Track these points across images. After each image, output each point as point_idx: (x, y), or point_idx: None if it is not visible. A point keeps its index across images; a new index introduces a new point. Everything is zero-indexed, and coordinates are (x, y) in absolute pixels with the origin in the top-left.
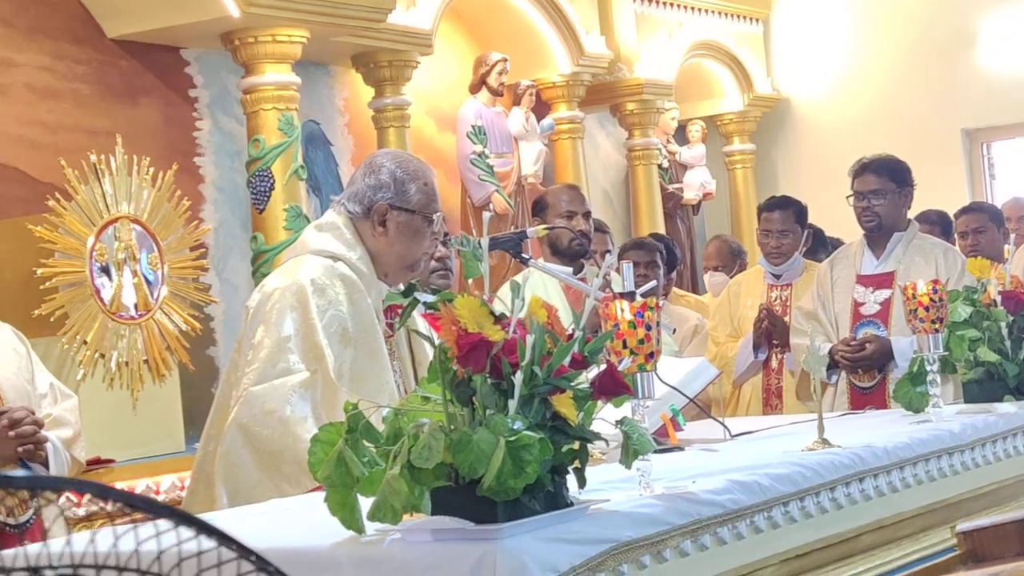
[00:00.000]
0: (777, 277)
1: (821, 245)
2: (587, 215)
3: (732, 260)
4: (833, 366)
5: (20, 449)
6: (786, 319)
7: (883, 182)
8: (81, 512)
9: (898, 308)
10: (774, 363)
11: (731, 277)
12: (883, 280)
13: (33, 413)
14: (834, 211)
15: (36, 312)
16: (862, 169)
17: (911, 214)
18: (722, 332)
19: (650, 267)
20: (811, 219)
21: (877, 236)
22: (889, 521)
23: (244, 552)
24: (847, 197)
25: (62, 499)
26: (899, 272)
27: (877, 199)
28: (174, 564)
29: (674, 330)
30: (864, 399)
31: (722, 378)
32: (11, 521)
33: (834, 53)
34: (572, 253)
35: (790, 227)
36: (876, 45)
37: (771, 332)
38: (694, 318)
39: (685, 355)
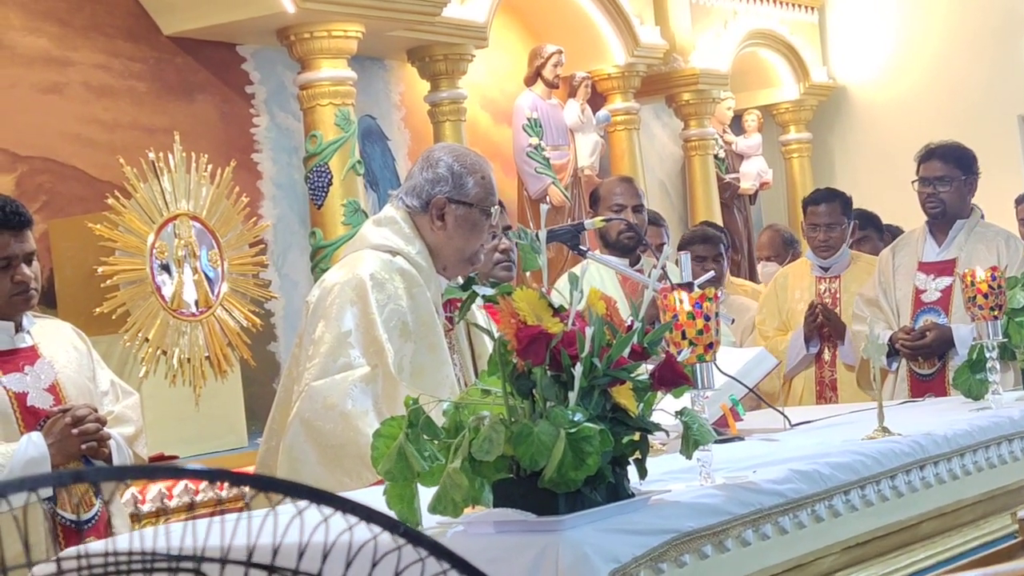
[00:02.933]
0: (825, 269)
1: (876, 232)
2: (637, 208)
3: (784, 250)
4: (894, 354)
5: (83, 446)
6: (836, 311)
7: (949, 169)
8: (145, 508)
9: (959, 296)
10: (826, 356)
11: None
12: (944, 267)
13: (96, 410)
14: (891, 199)
15: (97, 310)
16: (928, 155)
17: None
18: (770, 325)
19: (717, 260)
20: (867, 207)
21: (940, 223)
22: (950, 508)
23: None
24: (912, 183)
25: (127, 494)
26: (960, 259)
27: (942, 186)
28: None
29: (732, 320)
30: (924, 386)
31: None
32: (74, 518)
33: (890, 41)
34: (621, 246)
35: (837, 219)
36: (933, 33)
37: (823, 326)
38: (754, 308)
39: (745, 346)
